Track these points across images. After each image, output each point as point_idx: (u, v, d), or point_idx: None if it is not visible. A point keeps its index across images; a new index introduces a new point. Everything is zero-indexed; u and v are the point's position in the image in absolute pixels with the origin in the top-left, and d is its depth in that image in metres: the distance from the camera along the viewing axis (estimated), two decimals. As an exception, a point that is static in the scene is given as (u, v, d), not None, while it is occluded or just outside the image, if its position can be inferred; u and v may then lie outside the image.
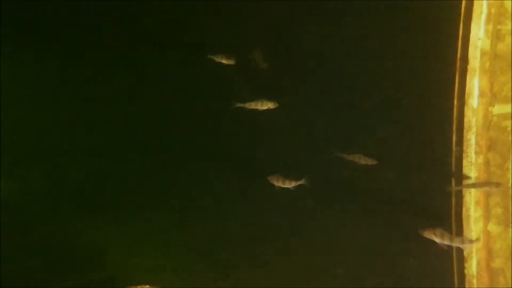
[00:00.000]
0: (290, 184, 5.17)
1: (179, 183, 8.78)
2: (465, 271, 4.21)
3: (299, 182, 5.13)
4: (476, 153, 4.13)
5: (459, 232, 4.26)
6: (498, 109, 4.15)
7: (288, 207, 7.62)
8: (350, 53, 8.22)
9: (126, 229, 7.28)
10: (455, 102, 4.27)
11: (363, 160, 5.51)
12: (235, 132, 9.04)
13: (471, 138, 4.15)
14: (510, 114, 4.15)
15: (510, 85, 4.12)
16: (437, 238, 3.89)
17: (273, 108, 5.11)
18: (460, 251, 4.27)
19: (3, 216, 7.28)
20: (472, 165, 4.15)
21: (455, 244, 3.98)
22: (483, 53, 4.07)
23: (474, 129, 4.13)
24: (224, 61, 5.67)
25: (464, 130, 4.21)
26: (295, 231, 7.40)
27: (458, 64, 4.28)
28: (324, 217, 7.74)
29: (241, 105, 5.17)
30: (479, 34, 4.05)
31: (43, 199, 8.09)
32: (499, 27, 4.06)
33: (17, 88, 9.71)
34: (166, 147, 9.58)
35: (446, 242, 3.89)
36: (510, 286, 4.13)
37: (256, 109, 5.14)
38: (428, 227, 3.95)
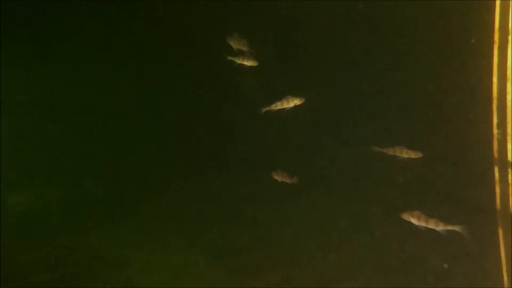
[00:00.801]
0: (290, 179, 5.11)
1: (198, 191, 8.48)
2: (516, 271, 3.70)
3: (294, 180, 5.09)
4: (523, 136, 3.61)
5: (506, 227, 3.75)
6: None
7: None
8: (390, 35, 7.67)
9: (143, 238, 7.10)
10: (494, 79, 3.73)
11: (406, 154, 5.02)
12: (254, 131, 8.63)
13: (516, 119, 3.62)
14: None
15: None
16: (414, 219, 3.83)
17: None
18: (508, 249, 3.76)
19: (16, 228, 7.26)
20: (519, 150, 3.62)
21: (431, 226, 3.77)
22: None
23: (519, 109, 3.60)
24: (246, 63, 5.25)
25: (508, 110, 3.68)
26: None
27: (496, 36, 3.75)
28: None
29: (267, 108, 4.83)
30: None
31: (56, 210, 8.01)
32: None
33: (23, 96, 9.64)
34: (182, 154, 9.30)
35: (423, 223, 3.79)
36: None
37: (283, 108, 4.87)
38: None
